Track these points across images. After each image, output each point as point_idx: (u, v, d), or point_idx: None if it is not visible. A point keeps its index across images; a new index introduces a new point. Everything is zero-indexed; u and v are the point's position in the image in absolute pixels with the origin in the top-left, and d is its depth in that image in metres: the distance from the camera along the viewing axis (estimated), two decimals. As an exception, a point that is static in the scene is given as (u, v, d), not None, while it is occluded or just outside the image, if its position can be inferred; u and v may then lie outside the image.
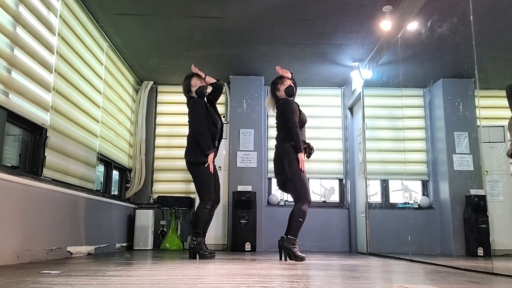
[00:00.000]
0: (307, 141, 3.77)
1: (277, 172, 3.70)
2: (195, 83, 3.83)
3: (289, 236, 3.53)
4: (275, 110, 3.84)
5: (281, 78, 3.82)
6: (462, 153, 4.02)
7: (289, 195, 3.83)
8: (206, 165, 3.64)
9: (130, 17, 4.34)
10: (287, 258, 3.54)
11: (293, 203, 3.65)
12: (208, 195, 3.69)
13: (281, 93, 3.79)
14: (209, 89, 3.99)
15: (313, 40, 4.84)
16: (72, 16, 3.91)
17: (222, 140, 4.05)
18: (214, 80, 3.98)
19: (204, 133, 3.68)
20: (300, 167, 3.56)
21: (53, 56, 3.50)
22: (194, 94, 3.83)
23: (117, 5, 4.11)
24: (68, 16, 3.84)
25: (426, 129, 4.79)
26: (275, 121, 3.81)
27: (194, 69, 3.95)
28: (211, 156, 3.66)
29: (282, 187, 3.77)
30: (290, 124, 3.62)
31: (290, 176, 3.57)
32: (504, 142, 3.54)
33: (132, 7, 4.15)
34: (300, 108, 3.80)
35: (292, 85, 3.79)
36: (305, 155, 3.71)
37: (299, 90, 4.15)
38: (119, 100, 5.34)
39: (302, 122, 3.76)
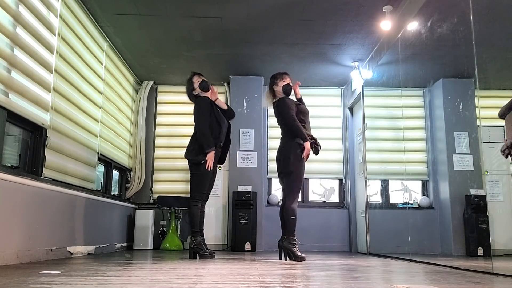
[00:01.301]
0: (313, 136, 3.72)
1: (281, 165, 3.67)
2: (197, 80, 3.86)
3: (288, 236, 3.53)
4: (273, 109, 3.84)
5: (282, 74, 3.81)
6: (462, 153, 4.02)
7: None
8: (203, 162, 3.63)
9: (130, 17, 4.34)
10: (287, 258, 3.54)
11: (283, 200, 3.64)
12: (199, 195, 3.72)
13: (279, 89, 3.78)
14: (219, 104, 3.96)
15: (313, 40, 4.84)
16: (72, 16, 3.91)
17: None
18: (225, 106, 3.94)
19: (206, 133, 3.69)
20: (303, 156, 3.55)
21: (53, 56, 3.50)
22: (197, 91, 3.83)
23: (117, 5, 4.11)
24: (68, 16, 3.84)
25: (426, 129, 4.79)
26: (277, 122, 3.82)
27: (212, 88, 3.90)
28: (211, 154, 3.66)
29: (282, 180, 3.76)
30: (287, 119, 3.62)
31: (291, 171, 3.56)
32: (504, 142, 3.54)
33: (132, 7, 4.15)
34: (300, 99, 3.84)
35: (291, 84, 3.79)
36: (312, 150, 3.69)
37: (300, 90, 4.13)
38: (119, 100, 5.34)
39: (304, 113, 3.73)
